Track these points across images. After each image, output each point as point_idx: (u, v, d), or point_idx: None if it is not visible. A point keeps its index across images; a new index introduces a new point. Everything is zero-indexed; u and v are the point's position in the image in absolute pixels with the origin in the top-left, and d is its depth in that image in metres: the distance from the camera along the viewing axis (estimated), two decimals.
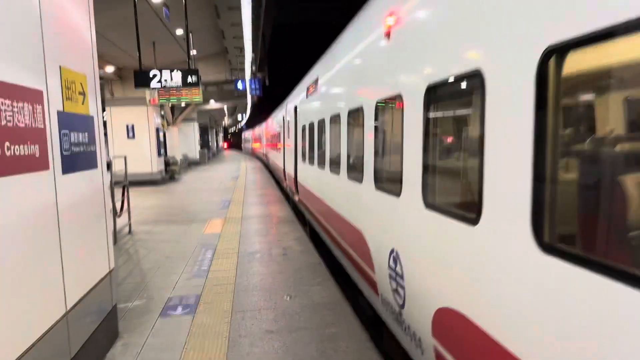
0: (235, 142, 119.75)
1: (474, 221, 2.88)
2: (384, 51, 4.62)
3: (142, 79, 13.36)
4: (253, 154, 58.55)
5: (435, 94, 3.52)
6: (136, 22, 12.96)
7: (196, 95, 18.17)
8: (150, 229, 11.08)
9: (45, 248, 3.50)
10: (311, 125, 9.93)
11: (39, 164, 3.40)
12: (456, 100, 3.46)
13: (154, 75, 13.26)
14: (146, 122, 22.28)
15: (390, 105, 4.61)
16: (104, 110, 22.67)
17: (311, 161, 9.90)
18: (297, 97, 12.70)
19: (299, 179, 12.57)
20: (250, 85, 18.50)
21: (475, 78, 2.84)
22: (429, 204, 3.58)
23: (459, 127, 3.55)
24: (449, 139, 3.67)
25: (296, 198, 13.41)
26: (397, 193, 4.20)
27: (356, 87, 5.85)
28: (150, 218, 12.61)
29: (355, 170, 5.88)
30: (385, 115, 4.83)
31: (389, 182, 4.57)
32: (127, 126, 22.13)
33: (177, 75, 13.40)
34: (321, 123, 8.62)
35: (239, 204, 14.60)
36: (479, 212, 2.83)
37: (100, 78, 22.74)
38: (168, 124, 33.96)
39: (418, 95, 3.71)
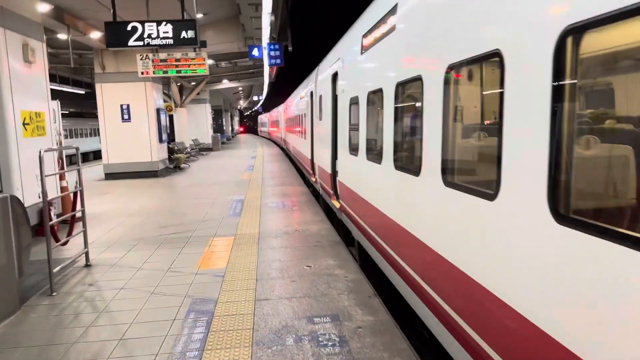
0: (251, 125, 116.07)
1: None
2: None
3: (115, 34, 9.45)
4: (270, 139, 54.76)
5: None
6: None
7: (200, 65, 14.29)
8: (121, 257, 7.29)
9: None
10: (372, 98, 6.03)
11: None
12: None
13: (134, 29, 9.35)
14: (144, 101, 18.57)
15: None
16: (93, 87, 18.94)
17: (372, 156, 6.00)
18: (338, 59, 8.74)
19: (341, 178, 8.66)
20: (269, 52, 14.55)
21: None
22: None
23: None
24: None
25: (334, 203, 9.53)
26: None
27: None
28: (129, 233, 8.84)
29: None
30: None
31: None
32: (122, 107, 18.43)
33: (167, 29, 9.46)
34: (401, 91, 4.72)
35: (254, 210, 10.77)
36: None
37: (89, 48, 18.99)
38: (176, 106, 30.29)
39: None
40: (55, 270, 5.90)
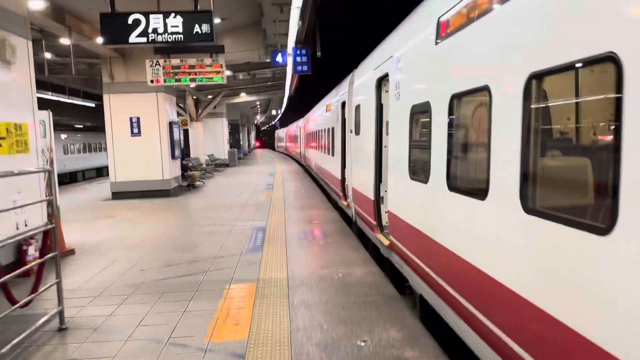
0: (267, 140, 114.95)
1: None
2: None
3: (113, 28, 7.77)
4: (288, 154, 53.15)
5: None
6: None
7: (217, 72, 12.67)
8: (109, 314, 5.51)
9: None
10: (461, 104, 4.22)
11: None
12: None
13: (136, 22, 7.67)
14: (156, 114, 16.99)
15: None
16: (101, 98, 17.46)
17: (464, 187, 4.17)
18: (389, 57, 6.92)
19: (392, 208, 6.78)
20: (294, 59, 12.85)
21: None
22: None
23: None
24: None
25: (379, 238, 7.67)
26: None
27: None
28: (125, 276, 7.07)
29: None
30: None
31: None
32: (131, 120, 16.88)
33: (177, 22, 7.76)
34: (542, 88, 2.92)
35: (279, 241, 8.96)
36: None
37: (96, 57, 17.54)
38: (191, 120, 28.84)
39: None
40: (5, 349, 4.12)
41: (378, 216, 7.99)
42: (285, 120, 66.77)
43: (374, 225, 8.12)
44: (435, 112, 4.76)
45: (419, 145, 5.44)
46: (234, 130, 47.37)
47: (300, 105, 48.67)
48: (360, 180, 9.41)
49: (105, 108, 16.96)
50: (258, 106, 51.08)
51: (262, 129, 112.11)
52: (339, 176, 12.61)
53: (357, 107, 9.62)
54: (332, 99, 14.16)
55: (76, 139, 38.06)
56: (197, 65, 12.57)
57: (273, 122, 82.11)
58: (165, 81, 12.59)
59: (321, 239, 9.11)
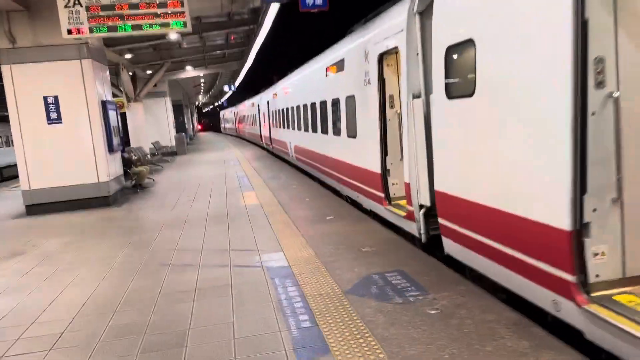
0: (209, 122, 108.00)
1: None
2: None
3: None
4: (240, 136, 47.93)
5: None
6: None
7: (177, 15, 7.90)
8: None
9: None
10: None
11: None
12: None
13: None
14: (82, 89, 11.94)
15: None
16: None
17: None
18: None
19: None
20: None
21: None
22: None
23: None
24: None
25: (619, 324, 3.40)
26: None
27: None
28: None
29: None
30: None
31: None
32: (46, 100, 11.77)
33: None
34: None
35: (344, 314, 4.54)
36: None
37: None
38: (129, 100, 23.44)
39: None
40: None
41: (581, 262, 3.75)
42: (234, 99, 60.79)
43: (573, 286, 3.84)
44: None
45: None
46: (178, 112, 41.68)
47: (258, 79, 43.62)
48: (480, 181, 5.11)
49: (6, 85, 11.72)
50: (202, 84, 45.39)
51: (205, 110, 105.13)
52: (376, 169, 8.27)
53: (455, 48, 5.24)
54: (345, 48, 9.66)
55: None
56: (143, 3, 7.73)
57: (220, 102, 75.58)
58: (91, 31, 7.68)
59: (419, 297, 4.77)
